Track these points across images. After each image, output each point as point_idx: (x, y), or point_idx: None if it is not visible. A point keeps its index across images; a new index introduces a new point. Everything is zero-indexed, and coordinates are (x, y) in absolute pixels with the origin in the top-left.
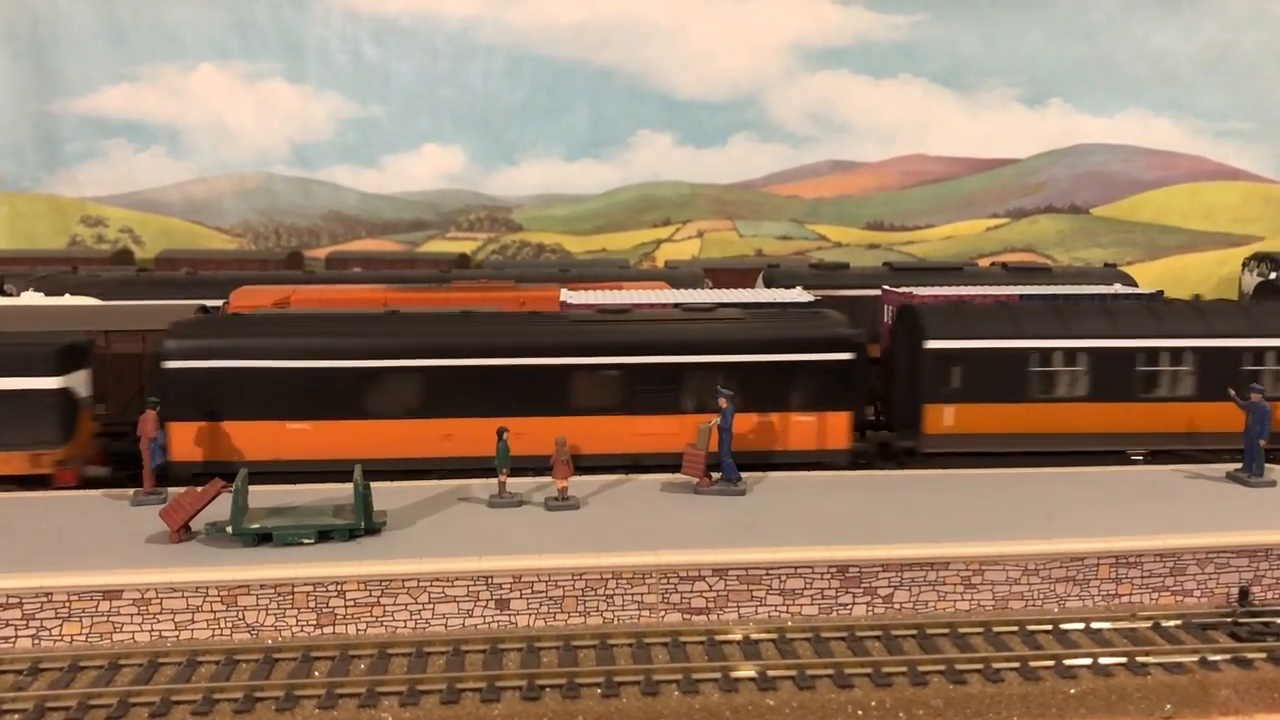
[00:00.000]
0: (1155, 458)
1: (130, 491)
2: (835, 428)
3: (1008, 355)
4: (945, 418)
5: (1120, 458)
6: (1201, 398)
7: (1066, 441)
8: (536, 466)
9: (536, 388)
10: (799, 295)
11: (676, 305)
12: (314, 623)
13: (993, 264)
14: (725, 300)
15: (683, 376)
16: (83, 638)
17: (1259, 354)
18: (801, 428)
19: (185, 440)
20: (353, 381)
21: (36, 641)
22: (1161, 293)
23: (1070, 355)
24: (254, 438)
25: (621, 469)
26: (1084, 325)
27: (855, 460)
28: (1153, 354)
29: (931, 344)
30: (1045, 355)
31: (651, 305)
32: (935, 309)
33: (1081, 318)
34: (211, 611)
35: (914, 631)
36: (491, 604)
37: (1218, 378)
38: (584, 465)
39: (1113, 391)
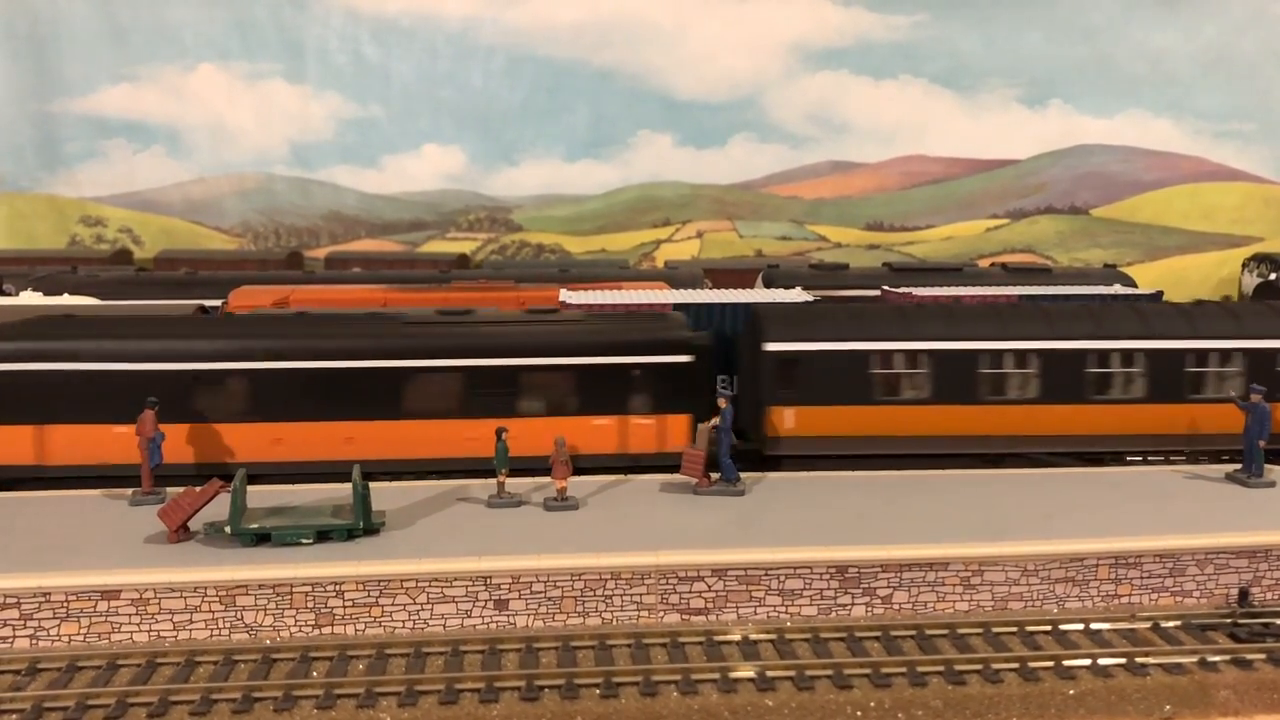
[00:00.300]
0: (1150, 460)
1: (128, 491)
2: (676, 430)
3: (848, 357)
4: (787, 420)
5: (1119, 459)
6: (1046, 400)
7: (911, 444)
8: (388, 471)
9: (368, 391)
10: (798, 295)
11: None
12: (312, 623)
13: (992, 265)
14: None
15: (519, 379)
16: (81, 638)
17: (1104, 356)
18: (642, 430)
19: (7, 444)
20: (177, 384)
21: (34, 641)
22: (1161, 293)
23: (912, 357)
24: (78, 441)
25: (459, 474)
26: (925, 327)
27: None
28: (996, 356)
29: (771, 346)
30: (886, 357)
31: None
32: (776, 311)
33: (924, 320)
34: (210, 612)
35: (913, 632)
36: (490, 604)
37: (1062, 380)
38: (418, 470)
39: (956, 394)
